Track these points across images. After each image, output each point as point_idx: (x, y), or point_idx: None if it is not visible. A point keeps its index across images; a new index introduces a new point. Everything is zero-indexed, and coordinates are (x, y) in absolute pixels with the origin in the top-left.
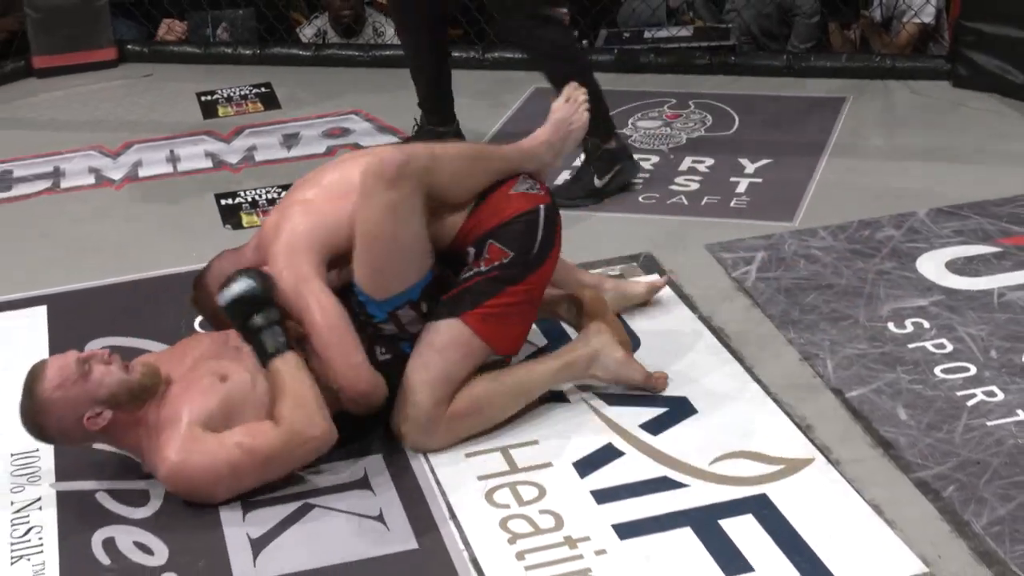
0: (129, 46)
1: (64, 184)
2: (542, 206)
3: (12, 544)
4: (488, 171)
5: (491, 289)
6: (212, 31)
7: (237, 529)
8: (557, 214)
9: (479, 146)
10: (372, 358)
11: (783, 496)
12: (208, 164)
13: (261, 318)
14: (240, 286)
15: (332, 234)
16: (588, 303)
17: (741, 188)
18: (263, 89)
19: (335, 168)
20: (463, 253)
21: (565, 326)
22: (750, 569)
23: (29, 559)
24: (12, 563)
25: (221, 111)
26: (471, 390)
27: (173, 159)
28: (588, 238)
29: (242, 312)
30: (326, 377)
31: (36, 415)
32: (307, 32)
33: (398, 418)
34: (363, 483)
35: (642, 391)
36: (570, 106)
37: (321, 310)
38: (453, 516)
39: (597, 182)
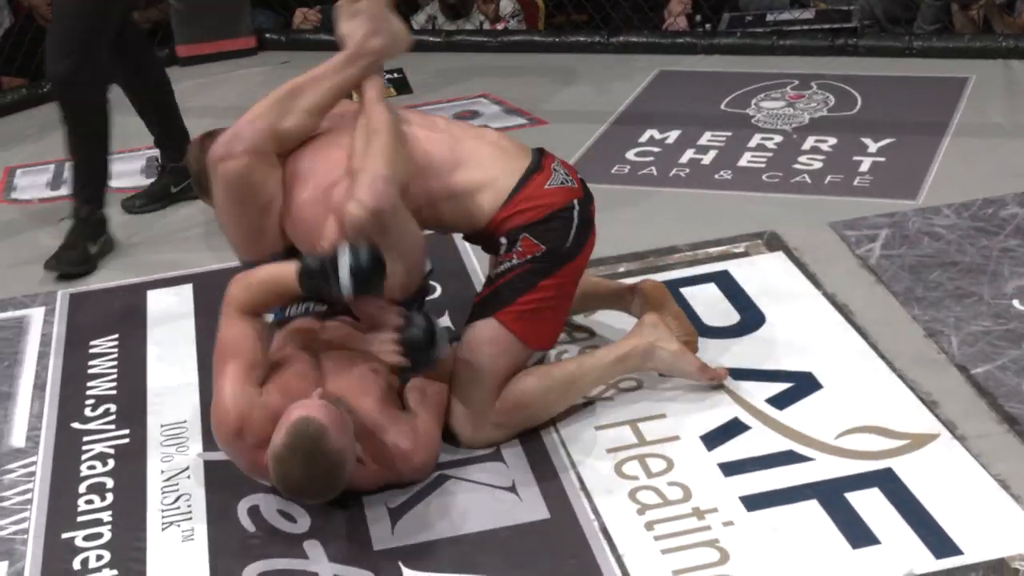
0: (267, 35)
1: None
2: (576, 200)
3: (163, 511)
4: (322, 94)
5: (524, 284)
6: None
7: (375, 499)
8: (591, 205)
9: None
10: None
11: (909, 471)
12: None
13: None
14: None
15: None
16: (650, 293)
17: (864, 167)
18: (396, 75)
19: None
20: (496, 241)
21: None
22: (876, 542)
23: (179, 525)
24: (163, 529)
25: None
26: (519, 385)
27: None
28: (713, 216)
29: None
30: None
31: (337, 467)
32: (419, 19)
33: (449, 416)
34: (496, 455)
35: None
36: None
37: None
38: (583, 487)
39: (91, 248)
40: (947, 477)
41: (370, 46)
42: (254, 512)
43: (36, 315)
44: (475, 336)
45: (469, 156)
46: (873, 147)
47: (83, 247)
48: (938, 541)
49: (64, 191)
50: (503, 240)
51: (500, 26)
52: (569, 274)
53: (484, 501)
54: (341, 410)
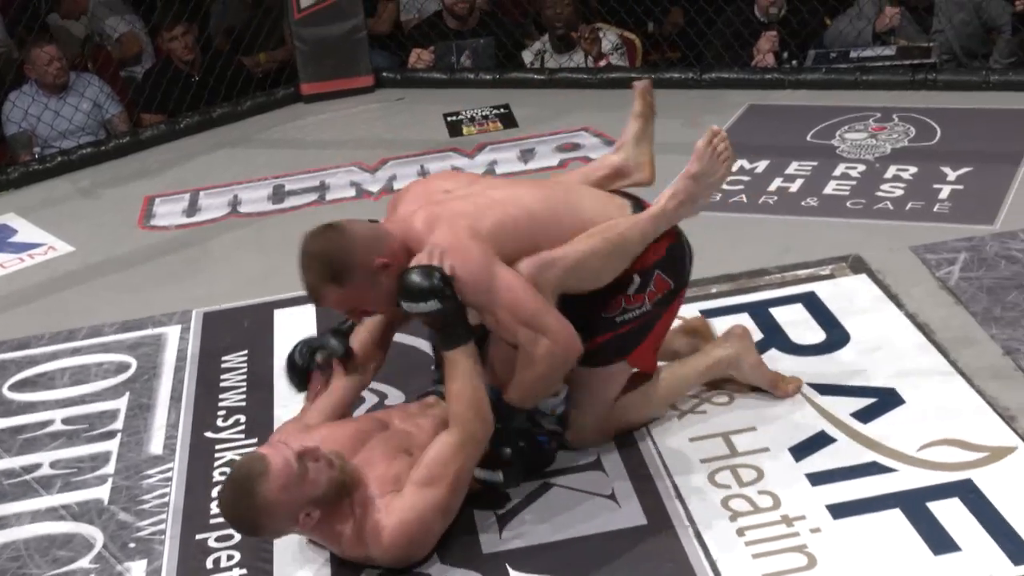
0: (384, 73)
1: (329, 196)
2: (679, 233)
3: None
4: (627, 255)
5: (648, 327)
6: (456, 58)
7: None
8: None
9: (615, 235)
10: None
11: (988, 481)
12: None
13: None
14: (432, 306)
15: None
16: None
17: (943, 194)
18: (502, 110)
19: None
20: (623, 284)
21: None
22: (957, 549)
23: None
24: None
25: (465, 130)
26: (624, 408)
27: (423, 173)
28: (800, 241)
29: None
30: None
31: (258, 514)
32: (527, 55)
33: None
34: (596, 465)
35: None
36: (710, 157)
37: (521, 287)
38: (679, 495)
39: None
40: None
41: (683, 213)
42: None
43: (173, 332)
44: (601, 372)
45: (587, 207)
46: (952, 175)
47: None
48: (1016, 549)
49: (198, 218)
50: (636, 279)
51: (603, 63)
52: (678, 305)
53: (585, 508)
54: (303, 474)
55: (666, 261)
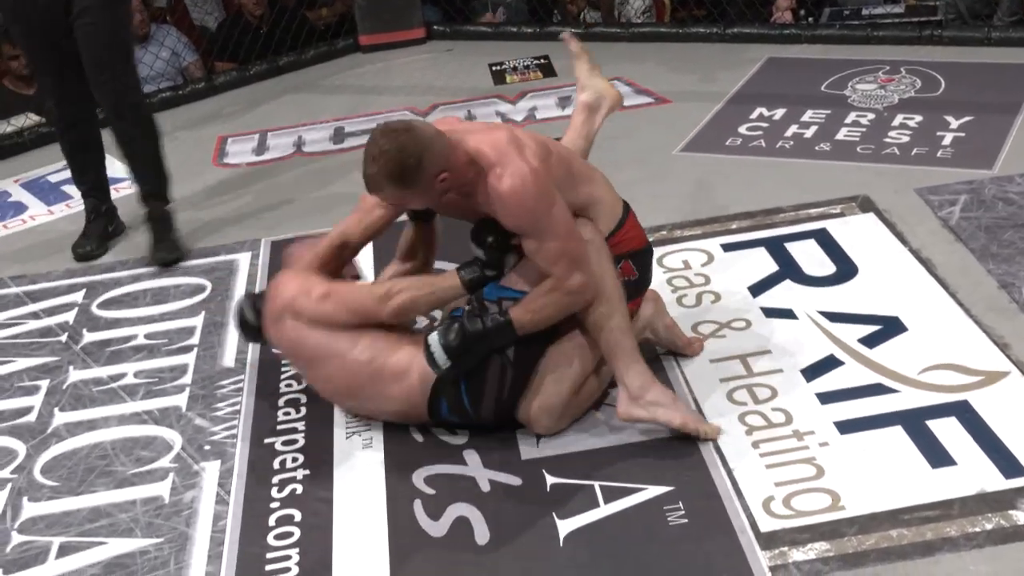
0: (435, 26)
1: None
2: (648, 244)
3: (347, 422)
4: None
5: None
6: (493, 15)
7: None
8: None
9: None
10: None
11: (982, 402)
12: (498, 122)
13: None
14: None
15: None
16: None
17: (946, 141)
18: (542, 60)
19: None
20: None
21: None
22: (953, 463)
23: (360, 434)
24: (347, 437)
25: (508, 79)
26: (587, 385)
27: (470, 118)
28: (813, 182)
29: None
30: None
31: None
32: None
33: (531, 407)
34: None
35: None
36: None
37: (574, 228)
38: (700, 411)
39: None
40: (1016, 409)
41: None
42: (422, 426)
43: (243, 259)
44: (571, 341)
45: (590, 174)
46: (954, 124)
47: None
48: (1007, 464)
49: (267, 156)
50: None
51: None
52: (638, 303)
53: (613, 422)
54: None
55: (637, 254)
